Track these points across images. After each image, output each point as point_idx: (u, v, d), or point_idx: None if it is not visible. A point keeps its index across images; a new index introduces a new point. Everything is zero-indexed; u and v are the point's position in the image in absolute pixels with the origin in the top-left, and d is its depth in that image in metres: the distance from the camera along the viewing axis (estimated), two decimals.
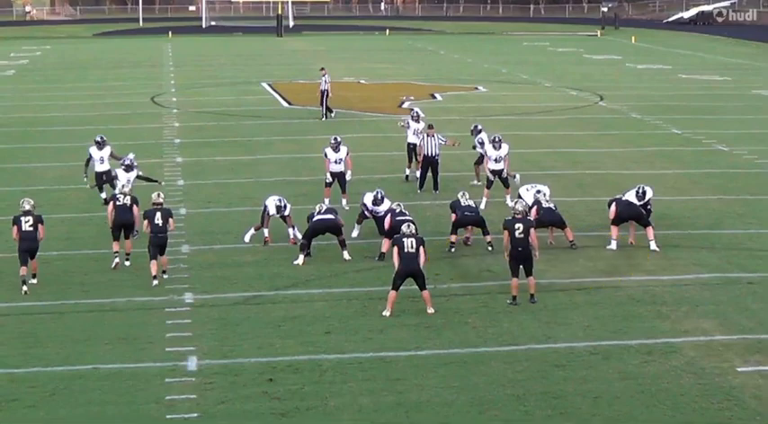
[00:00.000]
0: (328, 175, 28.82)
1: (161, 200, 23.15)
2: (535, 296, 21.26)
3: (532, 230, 21.32)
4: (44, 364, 18.07)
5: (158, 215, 22.71)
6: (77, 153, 35.25)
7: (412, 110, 34.81)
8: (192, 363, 18.09)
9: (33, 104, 51.33)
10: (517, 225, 21.23)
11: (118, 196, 24.05)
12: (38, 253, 22.58)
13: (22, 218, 22.52)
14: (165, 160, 36.00)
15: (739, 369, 17.87)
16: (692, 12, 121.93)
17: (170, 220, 22.96)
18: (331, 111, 46.13)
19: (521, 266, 21.19)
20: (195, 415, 16.03)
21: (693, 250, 25.11)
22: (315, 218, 24.37)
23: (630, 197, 25.54)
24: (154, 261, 22.56)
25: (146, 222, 22.89)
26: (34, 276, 22.61)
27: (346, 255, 24.22)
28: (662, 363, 18.20)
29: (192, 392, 16.87)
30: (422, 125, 32.53)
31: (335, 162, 28.75)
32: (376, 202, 25.59)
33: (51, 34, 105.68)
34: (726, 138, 39.40)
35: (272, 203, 25.26)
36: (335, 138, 29.11)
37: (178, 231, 26.35)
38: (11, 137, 41.02)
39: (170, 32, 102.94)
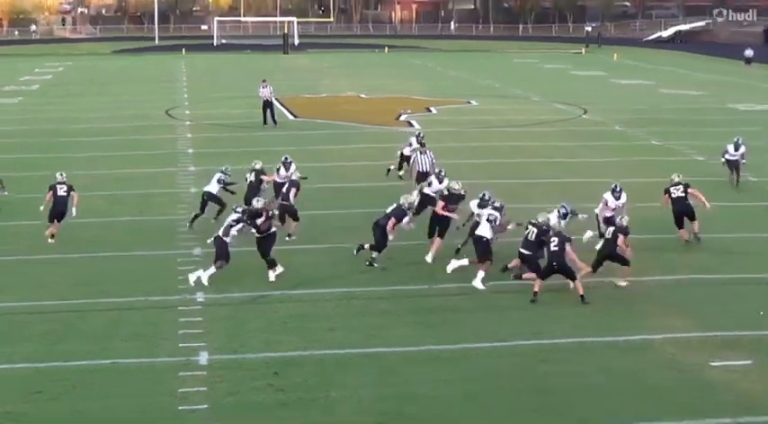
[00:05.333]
0: None
1: (64, 179, 26.39)
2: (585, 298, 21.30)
3: (567, 245, 21.30)
4: (66, 359, 18.09)
5: (61, 188, 26.03)
6: (99, 162, 35.35)
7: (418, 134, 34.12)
8: (203, 358, 18.11)
9: (56, 117, 51.42)
10: (554, 238, 21.32)
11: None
12: (65, 218, 25.91)
13: (58, 186, 26.07)
14: (179, 169, 36.05)
15: (713, 364, 17.90)
16: (671, 31, 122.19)
17: (72, 193, 26.14)
18: (266, 122, 47.51)
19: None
20: (205, 406, 16.04)
21: (673, 252, 25.13)
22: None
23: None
24: (51, 224, 25.78)
25: (50, 193, 26.10)
26: (53, 236, 25.66)
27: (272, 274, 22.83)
28: (642, 358, 18.23)
29: (202, 385, 16.89)
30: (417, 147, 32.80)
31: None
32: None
33: (73, 51, 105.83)
34: (703, 149, 39.42)
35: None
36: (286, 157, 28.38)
37: (190, 234, 26.50)
38: (36, 148, 41.04)
39: (183, 50, 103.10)
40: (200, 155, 38.75)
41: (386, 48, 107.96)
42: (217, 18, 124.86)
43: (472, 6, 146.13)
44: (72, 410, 16.04)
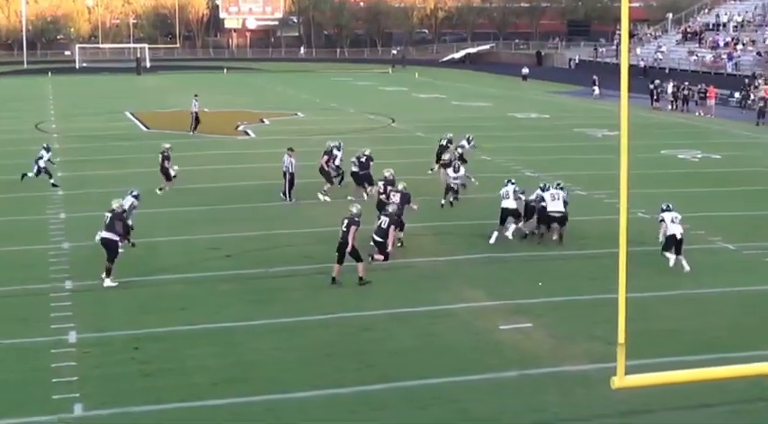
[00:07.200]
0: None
1: (164, 148, 31.05)
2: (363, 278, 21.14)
3: (353, 227, 20.97)
4: None
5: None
6: None
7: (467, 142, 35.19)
8: (73, 337, 17.66)
9: None
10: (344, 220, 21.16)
11: None
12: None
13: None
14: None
15: (501, 327, 18.24)
16: (461, 53, 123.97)
17: (166, 162, 30.54)
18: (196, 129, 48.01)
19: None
20: (75, 378, 15.65)
21: (465, 237, 25.50)
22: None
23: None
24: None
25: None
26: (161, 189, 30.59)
27: (108, 282, 21.06)
28: (444, 324, 18.46)
29: (72, 359, 16.48)
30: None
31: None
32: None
33: None
34: (490, 151, 40.08)
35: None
36: None
37: (60, 231, 25.82)
38: None
39: (50, 73, 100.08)
40: (67, 163, 37.68)
41: (225, 70, 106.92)
42: (78, 45, 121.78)
43: (297, 34, 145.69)
44: None
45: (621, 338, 8.46)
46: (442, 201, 28.67)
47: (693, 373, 9.37)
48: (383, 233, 21.91)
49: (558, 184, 25.55)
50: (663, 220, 22.46)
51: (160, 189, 30.79)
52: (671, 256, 22.31)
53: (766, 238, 25.39)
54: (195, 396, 15.01)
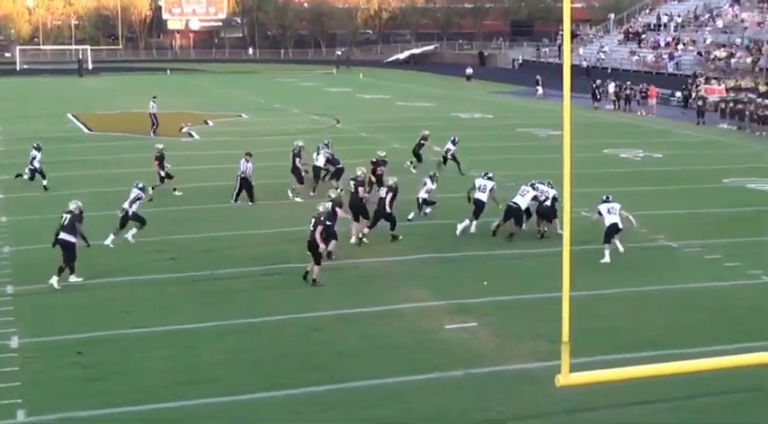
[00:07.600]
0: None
1: (158, 149, 31.07)
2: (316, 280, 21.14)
3: (319, 226, 20.95)
4: None
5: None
6: None
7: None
8: (15, 342, 17.46)
9: None
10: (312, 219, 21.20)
11: None
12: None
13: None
14: None
15: (447, 326, 18.34)
16: (406, 54, 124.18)
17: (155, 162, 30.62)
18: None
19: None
20: (18, 383, 15.48)
21: (415, 236, 25.56)
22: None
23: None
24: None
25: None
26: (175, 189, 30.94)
27: (53, 280, 20.95)
28: (391, 324, 18.52)
29: (14, 365, 16.30)
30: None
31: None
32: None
33: None
34: (437, 152, 40.07)
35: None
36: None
37: (0, 235, 25.52)
38: None
39: None
40: (11, 165, 37.20)
41: (168, 71, 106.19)
42: (19, 46, 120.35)
43: (241, 34, 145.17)
44: None
45: (566, 336, 8.57)
46: (410, 215, 27.39)
47: (636, 370, 9.51)
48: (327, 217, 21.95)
49: (551, 183, 25.87)
50: (600, 213, 23.12)
51: (174, 189, 31.16)
52: (608, 251, 22.86)
53: (707, 236, 25.76)
54: (143, 400, 14.92)
